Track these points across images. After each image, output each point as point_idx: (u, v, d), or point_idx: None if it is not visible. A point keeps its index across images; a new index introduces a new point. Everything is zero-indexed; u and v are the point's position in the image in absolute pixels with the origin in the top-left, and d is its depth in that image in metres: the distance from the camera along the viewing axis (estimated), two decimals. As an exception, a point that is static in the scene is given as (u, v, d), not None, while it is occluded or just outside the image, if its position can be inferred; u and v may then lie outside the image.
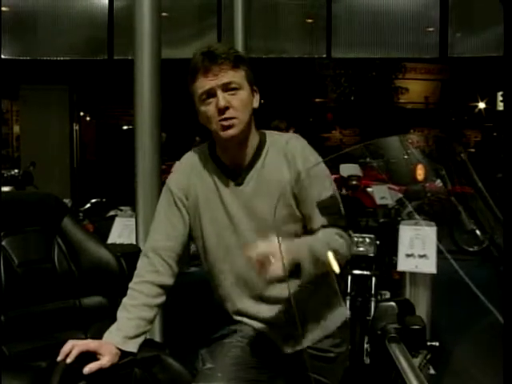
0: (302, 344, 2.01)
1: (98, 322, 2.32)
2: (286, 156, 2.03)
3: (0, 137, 13.30)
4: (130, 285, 2.04)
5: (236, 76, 1.97)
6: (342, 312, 2.12)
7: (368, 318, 3.54)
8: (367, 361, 3.18)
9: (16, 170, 7.52)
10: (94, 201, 4.95)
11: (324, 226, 1.96)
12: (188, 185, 2.09)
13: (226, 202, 2.04)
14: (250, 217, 2.01)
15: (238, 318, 2.09)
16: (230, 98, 1.95)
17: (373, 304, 3.54)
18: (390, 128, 16.88)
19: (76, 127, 13.65)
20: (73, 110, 13.23)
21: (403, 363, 1.23)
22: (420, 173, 5.30)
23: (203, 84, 1.96)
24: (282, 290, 1.93)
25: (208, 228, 2.06)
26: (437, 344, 1.36)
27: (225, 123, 1.96)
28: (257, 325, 2.05)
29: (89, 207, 4.88)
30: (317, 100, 19.87)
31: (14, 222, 2.33)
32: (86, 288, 2.35)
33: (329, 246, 1.88)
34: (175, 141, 11.19)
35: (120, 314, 2.00)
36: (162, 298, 2.06)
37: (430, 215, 4.08)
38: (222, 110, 1.94)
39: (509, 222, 1.24)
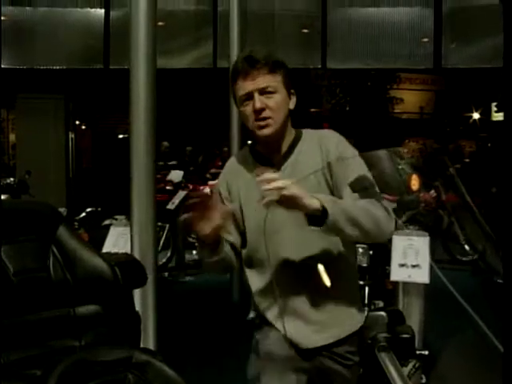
0: (322, 337, 2.03)
1: (93, 330, 2.33)
2: (320, 146, 2.15)
3: (-1, 145, 13.30)
4: None
5: (273, 80, 2.09)
6: (360, 319, 2.06)
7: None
8: (360, 370, 3.19)
9: (11, 179, 7.53)
10: (89, 210, 4.97)
11: (356, 199, 2.04)
12: (231, 182, 2.23)
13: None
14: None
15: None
16: (266, 100, 2.08)
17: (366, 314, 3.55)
18: (385, 138, 16.93)
19: (72, 136, 13.66)
20: (68, 118, 13.24)
21: (392, 372, 1.25)
22: (414, 183, 5.32)
23: (242, 87, 2.10)
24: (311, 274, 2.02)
25: (249, 218, 2.17)
26: (426, 353, 1.38)
27: (261, 123, 2.10)
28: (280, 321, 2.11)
29: (84, 216, 4.90)
30: (312, 110, 19.92)
31: (9, 230, 2.34)
32: (81, 296, 2.36)
33: (368, 212, 1.98)
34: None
35: None
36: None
37: (423, 225, 4.10)
38: (258, 111, 2.08)
39: (509, 223, 1.25)
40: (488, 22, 8.44)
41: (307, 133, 2.25)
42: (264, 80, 2.08)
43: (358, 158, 2.14)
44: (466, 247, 6.86)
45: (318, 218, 1.90)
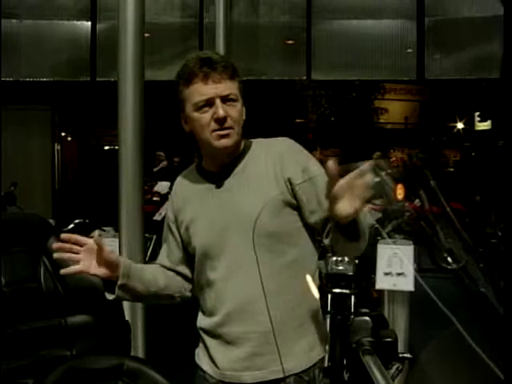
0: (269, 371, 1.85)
1: (84, 340, 2.36)
2: (273, 155, 1.93)
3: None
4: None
5: (233, 87, 1.90)
6: (319, 350, 1.97)
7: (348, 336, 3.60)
8: (346, 377, 3.24)
9: (-3, 192, 7.50)
10: (77, 221, 4.98)
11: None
12: (177, 206, 2.03)
13: (208, 206, 1.94)
14: (231, 216, 1.89)
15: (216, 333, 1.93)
16: (227, 108, 1.87)
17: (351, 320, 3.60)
18: (370, 148, 17.03)
19: (58, 147, 13.64)
20: (54, 130, 13.23)
21: (376, 374, 1.30)
22: (400, 192, 5.40)
23: (201, 91, 1.86)
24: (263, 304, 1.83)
25: (197, 239, 1.96)
26: (409, 356, 1.43)
27: (221, 133, 1.87)
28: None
29: (72, 227, 4.91)
30: (297, 120, 20.03)
31: (0, 242, 2.37)
32: (72, 307, 2.40)
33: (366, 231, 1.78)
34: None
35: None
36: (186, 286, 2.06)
37: (408, 234, 4.16)
38: (220, 121, 1.86)
39: (509, 223, 1.29)
40: (470, 34, 8.56)
41: (257, 142, 2.05)
42: (226, 86, 1.87)
43: (317, 165, 1.92)
44: (449, 258, 6.95)
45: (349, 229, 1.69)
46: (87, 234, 4.94)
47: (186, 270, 2.05)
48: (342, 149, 19.50)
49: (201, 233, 1.94)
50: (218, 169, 1.97)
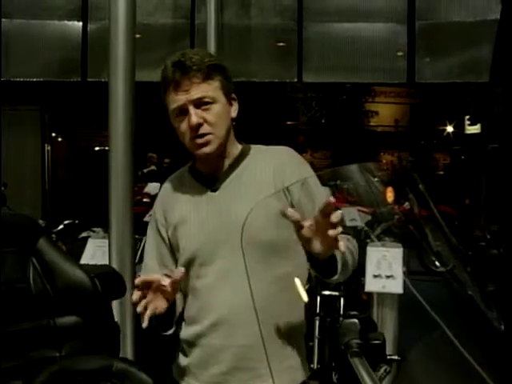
0: None
1: (73, 341, 2.35)
2: (273, 163, 1.86)
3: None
4: None
5: (209, 89, 1.79)
6: (303, 375, 1.88)
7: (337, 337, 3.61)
8: (335, 379, 3.25)
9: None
10: (66, 222, 4.98)
11: None
12: (167, 208, 1.93)
13: (201, 209, 1.86)
14: (224, 223, 1.82)
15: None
16: (203, 113, 1.79)
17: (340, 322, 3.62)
18: (361, 151, 17.09)
19: (48, 148, 13.62)
20: (45, 130, 13.21)
21: (364, 376, 1.31)
22: (389, 195, 5.42)
23: (174, 99, 1.80)
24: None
25: (183, 242, 1.87)
26: (397, 358, 1.44)
27: (199, 141, 1.80)
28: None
29: (61, 228, 4.91)
30: (288, 123, 20.06)
31: (-11, 242, 2.36)
32: (61, 308, 2.39)
33: (351, 253, 1.77)
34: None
35: None
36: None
37: (398, 237, 4.18)
38: (195, 128, 1.78)
39: (509, 223, 1.31)
40: (460, 39, 8.61)
41: (256, 148, 1.95)
42: (199, 90, 1.78)
43: (318, 181, 1.86)
44: (437, 261, 6.98)
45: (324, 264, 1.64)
46: (76, 235, 4.95)
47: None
48: (333, 151, 19.55)
49: (190, 236, 1.85)
50: (212, 172, 1.90)
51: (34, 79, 9.98)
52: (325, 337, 3.58)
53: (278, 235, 1.79)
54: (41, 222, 3.85)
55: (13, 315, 2.28)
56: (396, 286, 3.37)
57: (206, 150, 1.82)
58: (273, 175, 1.84)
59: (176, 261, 1.91)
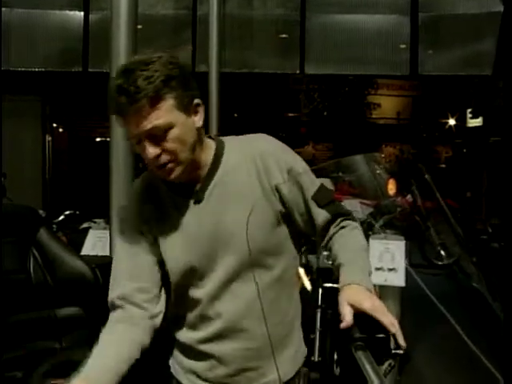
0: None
1: (73, 332, 2.34)
2: (254, 160, 1.73)
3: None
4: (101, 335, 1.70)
5: (161, 115, 1.57)
6: (303, 351, 1.88)
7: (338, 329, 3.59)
8: (337, 372, 3.23)
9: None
10: (67, 213, 4.95)
11: (330, 221, 1.77)
12: (143, 212, 1.74)
13: (188, 223, 1.72)
14: (218, 234, 1.70)
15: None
16: (160, 142, 1.58)
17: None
18: (363, 143, 17.06)
19: (49, 139, 13.60)
20: (45, 121, 13.18)
21: (369, 370, 1.29)
22: (391, 187, 5.40)
23: (126, 128, 1.61)
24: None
25: (173, 259, 1.73)
26: (401, 352, 1.41)
27: (162, 171, 1.63)
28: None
29: (62, 219, 4.89)
30: (290, 115, 20.02)
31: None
32: (61, 299, 2.38)
33: (360, 245, 1.76)
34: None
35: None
36: (145, 339, 1.70)
37: (399, 229, 4.16)
38: (153, 160, 1.60)
39: (510, 217, 1.29)
40: (464, 31, 8.57)
41: (231, 143, 1.78)
42: (149, 120, 1.56)
43: (301, 161, 1.80)
44: (442, 252, 6.96)
45: None
46: (77, 226, 4.92)
47: (155, 289, 1.74)
48: (334, 143, 19.53)
49: (182, 253, 1.71)
50: (189, 181, 1.71)
51: (35, 69, 9.95)
52: (326, 329, 3.57)
53: (273, 237, 1.73)
54: (41, 212, 3.83)
55: (13, 306, 2.27)
56: (398, 279, 3.34)
57: (172, 177, 1.64)
58: (257, 176, 1.72)
59: (151, 273, 1.74)
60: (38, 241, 2.41)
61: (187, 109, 1.63)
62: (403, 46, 8.91)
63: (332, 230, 1.79)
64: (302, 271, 1.66)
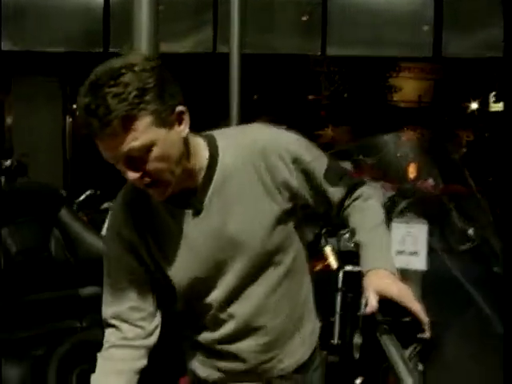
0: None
1: (94, 312, 2.34)
2: (254, 159, 1.61)
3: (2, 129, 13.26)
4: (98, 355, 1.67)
5: (137, 136, 1.41)
6: (317, 330, 1.89)
7: (358, 313, 3.58)
8: (357, 356, 3.22)
9: (9, 161, 7.45)
10: (88, 193, 4.96)
11: (345, 196, 1.73)
12: (136, 225, 1.62)
13: (190, 237, 1.62)
14: (226, 245, 1.62)
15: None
16: (140, 164, 1.45)
17: (363, 300, 3.58)
18: (383, 126, 16.93)
19: (69, 119, 13.64)
20: (66, 102, 13.21)
21: (394, 354, 1.27)
22: (412, 171, 5.34)
23: (101, 150, 1.47)
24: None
25: (179, 273, 1.65)
26: (427, 337, 1.40)
27: (150, 192, 1.52)
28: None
29: (83, 199, 4.89)
30: (310, 97, 19.91)
31: (11, 211, 2.36)
32: (83, 278, 2.38)
33: (378, 218, 1.74)
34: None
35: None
36: (142, 362, 1.67)
37: (421, 213, 4.12)
38: (137, 181, 1.47)
39: (509, 222, 1.27)
40: (489, 13, 8.43)
41: (225, 140, 1.63)
42: (124, 144, 1.40)
43: (303, 141, 1.70)
44: (470, 232, 6.87)
45: None
46: (98, 206, 4.93)
47: (151, 307, 1.67)
48: (354, 126, 19.42)
49: (186, 268, 1.64)
50: (182, 190, 1.58)
51: (56, 50, 9.96)
52: (346, 313, 3.55)
53: (279, 235, 1.67)
54: (62, 192, 3.84)
55: (35, 284, 2.28)
56: (420, 263, 3.31)
57: (160, 198, 1.53)
58: (257, 173, 1.60)
59: (146, 291, 1.66)
60: (60, 220, 2.41)
61: (167, 122, 1.46)
62: (426, 28, 8.79)
63: (347, 202, 1.76)
64: (329, 249, 1.66)
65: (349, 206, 1.77)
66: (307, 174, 1.66)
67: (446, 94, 20.60)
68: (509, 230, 1.23)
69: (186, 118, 1.51)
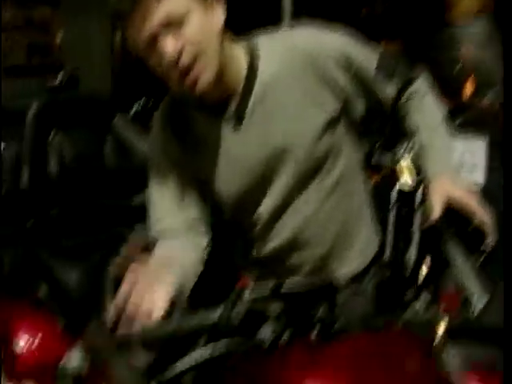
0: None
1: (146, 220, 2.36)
2: (305, 69, 1.53)
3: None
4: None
5: (173, 0, 1.37)
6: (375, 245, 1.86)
7: (411, 229, 3.54)
8: (407, 273, 3.21)
9: (61, 74, 7.43)
10: (141, 102, 4.89)
11: (398, 94, 1.66)
12: (178, 144, 1.60)
13: (230, 149, 1.58)
14: (267, 154, 1.57)
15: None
16: (176, 37, 1.38)
17: (418, 215, 3.54)
18: (438, 45, 16.44)
19: (118, 34, 13.59)
20: (115, 17, 13.14)
21: (459, 262, 1.23)
22: (468, 87, 5.19)
23: (131, 32, 1.43)
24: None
25: (226, 187, 1.62)
26: (491, 246, 1.34)
27: (186, 82, 1.42)
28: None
29: (136, 111, 4.87)
30: (364, 10, 19.40)
31: (65, 118, 2.36)
32: (137, 186, 2.39)
33: (440, 117, 1.68)
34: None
35: None
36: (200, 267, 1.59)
37: (480, 128, 4.02)
38: (174, 62, 1.39)
39: (509, 221, 1.19)
40: None
41: (267, 47, 1.55)
42: (161, 7, 1.36)
43: (344, 37, 1.60)
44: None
45: None
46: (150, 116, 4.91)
47: (205, 222, 1.63)
48: (408, 43, 18.89)
49: (232, 181, 1.61)
50: (222, 100, 1.53)
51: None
52: (400, 228, 3.53)
53: (329, 142, 1.61)
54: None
55: (89, 191, 2.30)
56: (478, 177, 3.29)
57: (199, 87, 1.41)
58: (301, 80, 1.53)
59: (200, 204, 1.62)
60: (114, 128, 2.40)
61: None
62: None
63: (402, 100, 1.69)
64: (404, 164, 1.60)
65: (404, 105, 1.69)
66: (357, 73, 1.59)
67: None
68: (509, 230, 1.16)
69: (220, 7, 1.46)
